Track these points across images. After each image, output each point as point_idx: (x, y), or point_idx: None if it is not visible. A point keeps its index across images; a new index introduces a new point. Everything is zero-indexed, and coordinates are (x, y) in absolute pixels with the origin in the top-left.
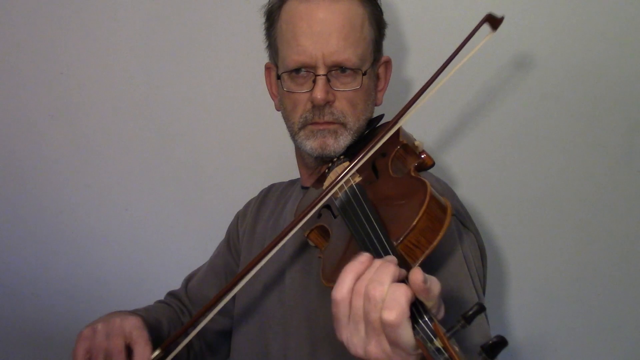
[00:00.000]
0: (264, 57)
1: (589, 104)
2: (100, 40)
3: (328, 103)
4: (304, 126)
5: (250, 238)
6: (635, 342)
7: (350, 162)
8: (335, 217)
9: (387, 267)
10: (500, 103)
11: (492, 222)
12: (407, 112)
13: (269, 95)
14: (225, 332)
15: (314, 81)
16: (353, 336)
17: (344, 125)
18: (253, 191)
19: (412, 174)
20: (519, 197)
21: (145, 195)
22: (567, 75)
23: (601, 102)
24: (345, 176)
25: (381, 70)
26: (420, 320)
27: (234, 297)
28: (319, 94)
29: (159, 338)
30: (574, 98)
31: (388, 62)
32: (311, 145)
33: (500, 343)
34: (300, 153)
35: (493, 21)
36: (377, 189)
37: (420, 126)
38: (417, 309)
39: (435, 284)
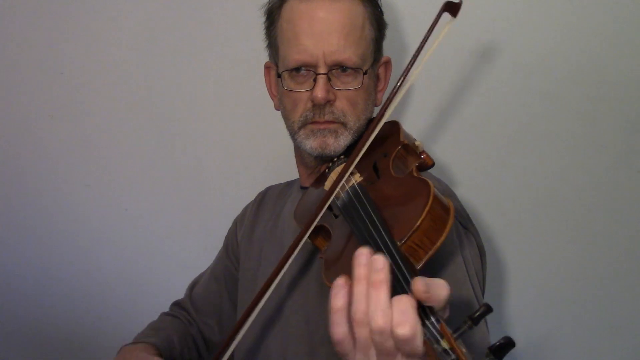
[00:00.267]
0: (263, 57)
1: (589, 104)
2: (100, 40)
3: (328, 102)
4: (303, 125)
5: (248, 242)
6: (635, 342)
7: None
8: (336, 217)
9: (378, 287)
10: (500, 103)
11: (492, 222)
12: (390, 105)
13: (268, 95)
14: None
15: (315, 80)
16: None
17: (344, 124)
18: (252, 190)
19: (414, 174)
20: (519, 197)
21: (145, 195)
22: (567, 75)
23: (601, 102)
24: (347, 171)
25: (381, 70)
26: (427, 322)
27: (235, 303)
28: (320, 92)
29: (172, 358)
30: (574, 98)
31: (388, 63)
32: (311, 144)
33: (508, 344)
34: (299, 152)
35: (451, 8)
36: (379, 189)
37: (420, 126)
38: (423, 311)
39: (442, 288)
